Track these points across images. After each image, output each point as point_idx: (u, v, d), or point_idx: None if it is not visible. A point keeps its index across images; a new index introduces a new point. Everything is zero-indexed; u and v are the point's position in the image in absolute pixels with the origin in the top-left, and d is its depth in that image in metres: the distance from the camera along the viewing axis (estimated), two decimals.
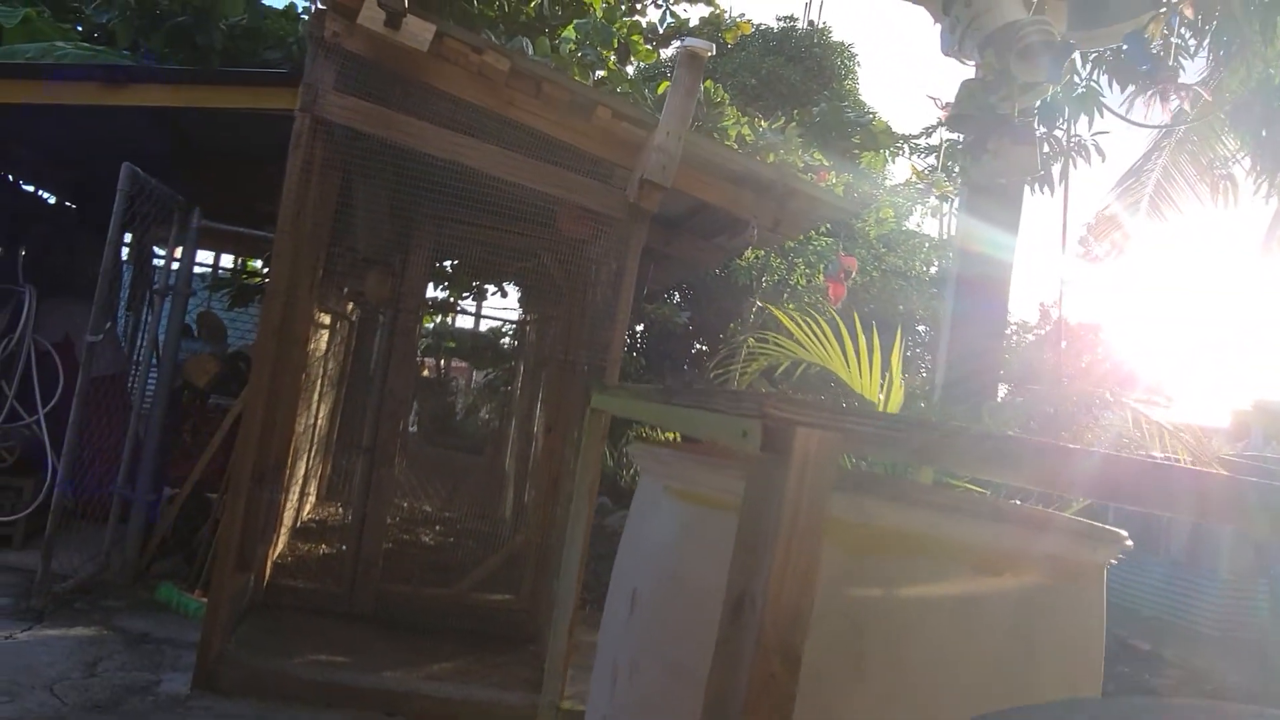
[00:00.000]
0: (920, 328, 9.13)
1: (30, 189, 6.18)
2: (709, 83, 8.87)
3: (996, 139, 2.55)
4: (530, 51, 7.80)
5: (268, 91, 4.93)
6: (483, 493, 9.16)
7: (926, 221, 15.42)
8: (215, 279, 10.06)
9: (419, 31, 3.86)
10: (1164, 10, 2.53)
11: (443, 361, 15.73)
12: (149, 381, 5.38)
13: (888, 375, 2.94)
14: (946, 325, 2.87)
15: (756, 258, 8.85)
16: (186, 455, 5.34)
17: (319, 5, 3.95)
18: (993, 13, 2.72)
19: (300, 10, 8.68)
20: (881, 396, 2.92)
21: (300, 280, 4.38)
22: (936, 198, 13.42)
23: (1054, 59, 2.46)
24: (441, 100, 4.22)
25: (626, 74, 8.62)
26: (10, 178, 5.82)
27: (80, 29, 8.27)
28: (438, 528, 7.93)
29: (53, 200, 6.48)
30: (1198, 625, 8.52)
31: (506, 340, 14.97)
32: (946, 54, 3.31)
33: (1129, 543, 1.51)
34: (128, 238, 5.99)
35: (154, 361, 5.39)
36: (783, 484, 1.04)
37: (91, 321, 4.43)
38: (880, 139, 10.76)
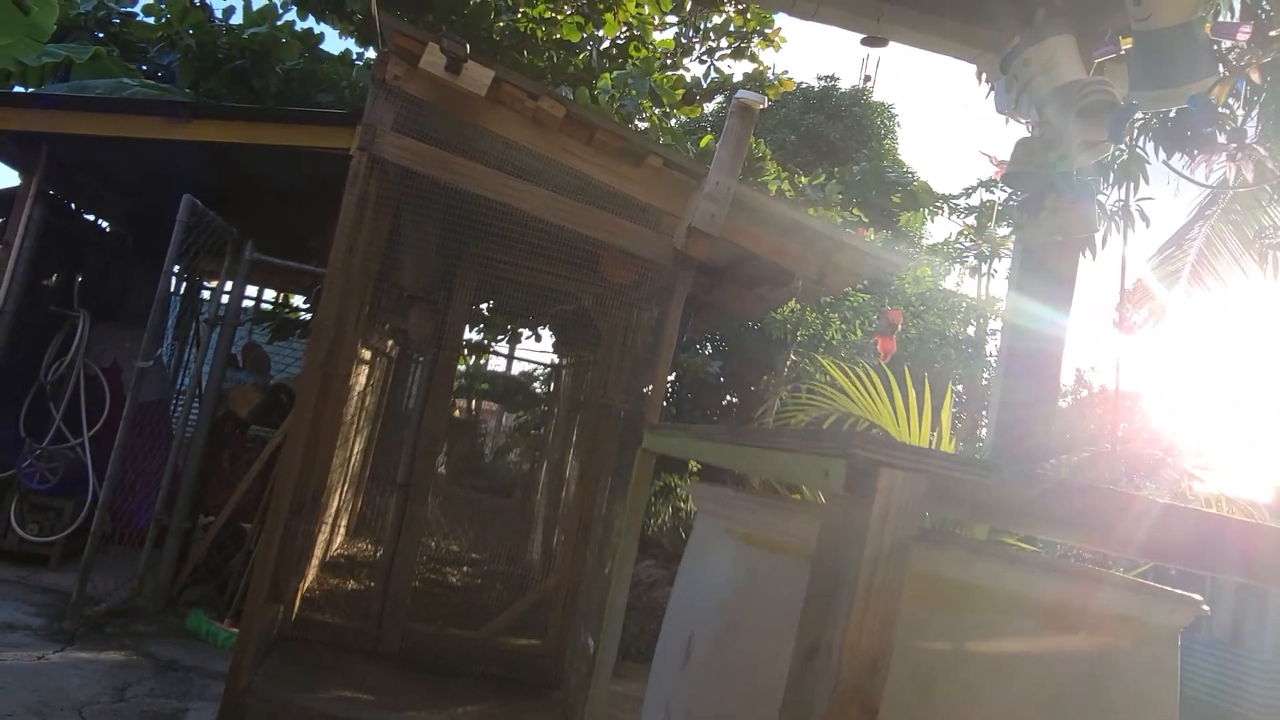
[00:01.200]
0: (958, 387, 9.02)
1: (89, 217, 6.34)
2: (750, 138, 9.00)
3: (1055, 196, 2.54)
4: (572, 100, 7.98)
5: (324, 131, 5.06)
6: (511, 535, 9.12)
7: (965, 282, 15.39)
8: (258, 312, 10.22)
9: (478, 76, 3.95)
10: (1229, 75, 2.53)
11: (474, 403, 15.80)
12: (192, 409, 5.44)
13: (937, 432, 2.90)
14: (996, 396, 2.82)
15: (792, 311, 8.84)
16: (224, 483, 5.38)
17: (383, 48, 4.05)
18: (1052, 72, 2.74)
19: (355, 56, 8.96)
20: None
21: (347, 316, 4.45)
22: (976, 256, 13.39)
23: (1116, 119, 2.46)
24: (491, 140, 4.30)
25: (669, 125, 8.75)
26: (72, 205, 5.98)
27: (144, 66, 8.58)
28: (465, 568, 7.89)
29: (108, 227, 6.65)
30: (1242, 709, 8.21)
31: (539, 384, 15.03)
32: (1001, 112, 3.33)
33: (1205, 607, 1.46)
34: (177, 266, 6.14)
35: (197, 389, 5.47)
36: (865, 526, 1.02)
37: (143, 348, 4.51)
38: (921, 198, 10.78)
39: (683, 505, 12.42)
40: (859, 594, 1.02)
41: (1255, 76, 2.57)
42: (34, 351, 5.47)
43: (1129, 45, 2.63)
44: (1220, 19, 2.59)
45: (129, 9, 9.62)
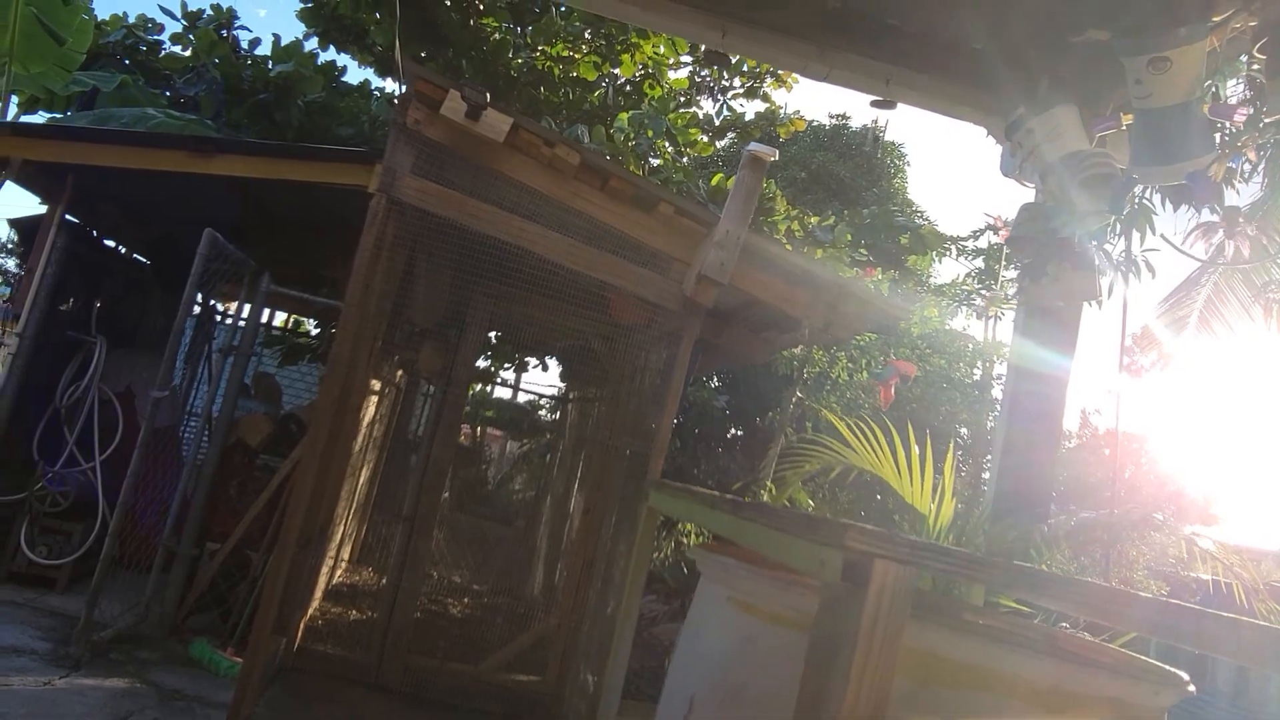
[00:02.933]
0: (963, 430, 9.01)
1: (109, 243, 6.46)
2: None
3: (1057, 263, 2.61)
4: (587, 139, 8.10)
5: (344, 168, 5.17)
6: (513, 567, 9.13)
7: (972, 324, 15.44)
8: (268, 336, 10.33)
9: (497, 123, 4.05)
10: (1227, 152, 2.60)
11: (479, 430, 15.85)
12: (203, 434, 5.50)
13: (939, 486, 2.94)
14: (999, 445, 2.87)
15: (800, 349, 8.91)
16: (232, 511, 5.43)
17: (405, 93, 4.15)
18: (1056, 141, 2.82)
19: (374, 88, 9.12)
20: (933, 507, 2.91)
21: (361, 354, 4.51)
22: (980, 303, 13.45)
23: (1116, 192, 2.53)
24: (507, 183, 4.39)
25: (681, 163, 8.86)
26: (93, 232, 6.09)
27: (168, 94, 8.75)
28: (466, 600, 7.90)
29: (127, 254, 6.76)
30: None
31: (544, 413, 15.08)
32: (1006, 175, 3.41)
33: (1191, 688, 1.51)
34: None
35: (209, 418, 5.53)
36: (859, 614, 1.07)
37: (159, 378, 4.59)
38: (929, 241, 10.86)
39: (685, 540, 12.43)
40: (853, 677, 1.07)
41: (1252, 155, 2.64)
42: (50, 375, 5.56)
43: (1130, 120, 2.70)
44: (1219, 100, 2.66)
45: (156, 37, 9.84)
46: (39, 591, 5.25)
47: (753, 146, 4.12)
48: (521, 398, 15.29)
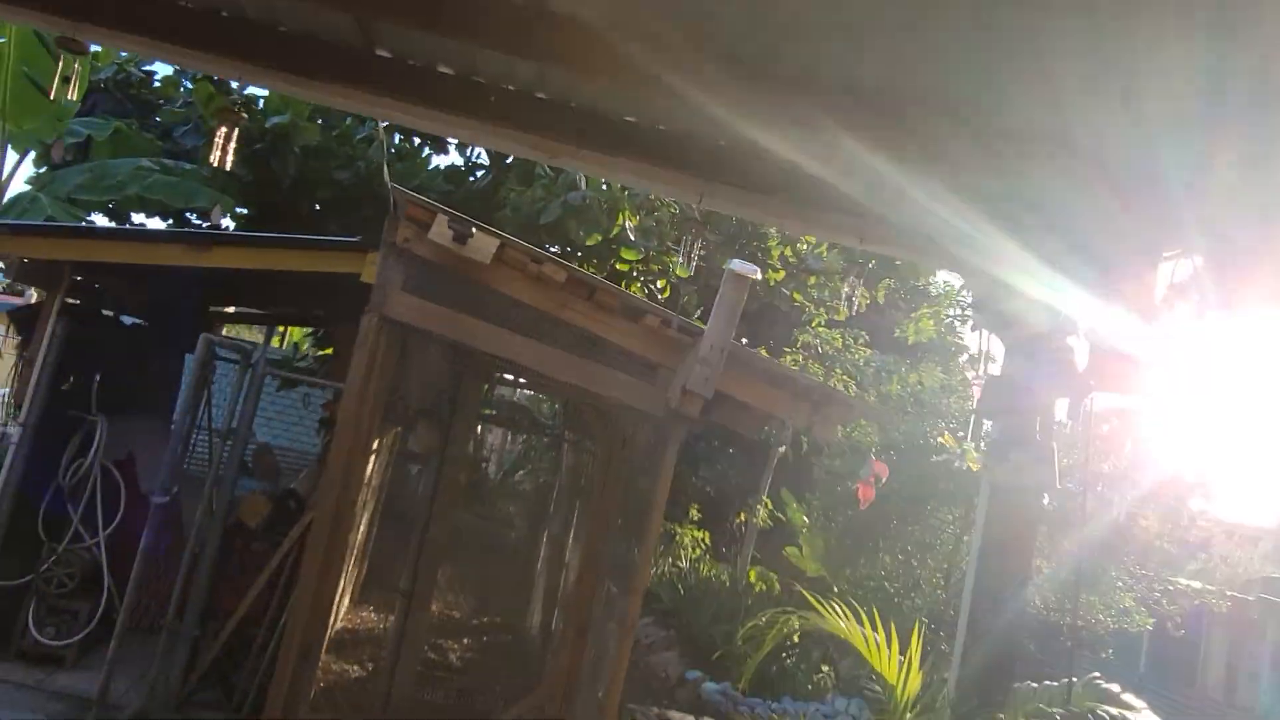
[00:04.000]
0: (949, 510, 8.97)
1: (106, 311, 6.54)
2: None
3: (1019, 452, 2.70)
4: (584, 185, 8.13)
5: (338, 257, 5.25)
6: (511, 587, 9.31)
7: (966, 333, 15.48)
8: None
9: (484, 246, 4.13)
10: None
11: (479, 428, 15.97)
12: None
13: (907, 658, 3.06)
14: (963, 619, 2.98)
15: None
16: (233, 589, 5.56)
17: (393, 213, 4.23)
18: (1019, 325, 2.91)
19: (369, 132, 9.14)
20: (901, 678, 3.04)
21: (358, 452, 4.63)
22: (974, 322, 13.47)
23: (1074, 396, 2.62)
24: (496, 295, 4.48)
25: (673, 209, 8.87)
26: (95, 308, 6.18)
27: (161, 136, 8.78)
28: (465, 640, 8.08)
29: (125, 318, 6.85)
30: None
31: (545, 408, 15.28)
32: (977, 327, 3.49)
33: None
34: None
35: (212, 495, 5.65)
36: None
37: (161, 481, 4.71)
38: (922, 268, 10.90)
39: (683, 554, 12.62)
40: None
41: None
42: (52, 452, 5.67)
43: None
44: None
45: (148, 67, 9.85)
46: (47, 670, 5.40)
47: (734, 265, 4.20)
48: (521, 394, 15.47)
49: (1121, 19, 2.22)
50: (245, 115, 6.63)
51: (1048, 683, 3.24)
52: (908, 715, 3.08)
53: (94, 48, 4.06)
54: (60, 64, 3.38)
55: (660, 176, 3.34)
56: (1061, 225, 2.62)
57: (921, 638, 3.21)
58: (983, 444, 6.85)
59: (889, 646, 3.08)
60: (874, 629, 3.13)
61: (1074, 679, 2.96)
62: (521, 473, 15.64)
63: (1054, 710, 2.88)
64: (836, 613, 3.31)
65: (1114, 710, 2.89)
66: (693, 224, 4.05)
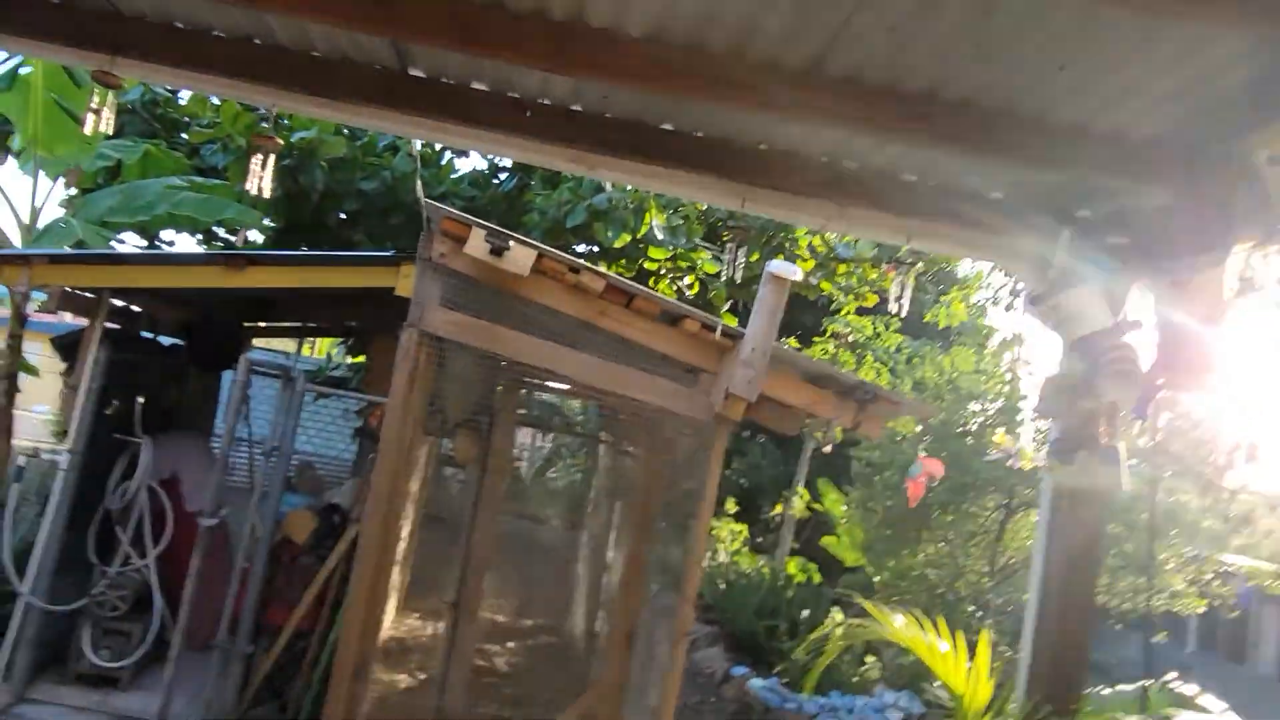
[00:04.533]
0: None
1: (145, 334, 6.60)
2: None
3: (1086, 456, 2.64)
4: (609, 186, 8.09)
5: (371, 272, 5.26)
6: (554, 597, 9.32)
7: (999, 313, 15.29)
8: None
9: (521, 258, 4.10)
10: None
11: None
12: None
13: (974, 668, 3.01)
14: (1030, 621, 2.93)
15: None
16: (282, 605, 5.61)
17: (427, 229, 4.21)
18: (1079, 322, 2.83)
19: (392, 140, 9.14)
20: (969, 688, 2.99)
21: (402, 467, 4.63)
22: (1010, 293, 13.31)
23: (1141, 396, 2.55)
24: (535, 306, 4.45)
25: (700, 205, 8.79)
26: (133, 332, 6.24)
27: (188, 153, 8.82)
28: (510, 644, 8.10)
29: (164, 340, 6.91)
30: None
31: (578, 410, 15.27)
32: (1029, 316, 3.42)
33: None
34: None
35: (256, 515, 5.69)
36: None
37: (209, 506, 4.74)
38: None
39: (721, 548, 12.58)
40: None
41: None
42: (98, 477, 5.73)
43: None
44: None
45: (171, 89, 9.91)
46: (104, 693, 5.47)
47: (773, 266, 4.14)
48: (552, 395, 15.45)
49: (1179, 13, 2.15)
50: (280, 142, 6.64)
51: (1121, 687, 3.17)
52: None
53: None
54: (95, 97, 3.40)
55: (700, 183, 3.30)
56: (1124, 217, 2.55)
57: (988, 643, 3.15)
58: (1033, 438, 6.76)
59: (953, 651, 3.02)
60: (930, 631, 3.08)
61: (1147, 683, 2.90)
62: (553, 471, 15.68)
63: (1132, 717, 2.82)
64: (891, 615, 3.26)
65: (1192, 716, 2.81)
66: (738, 231, 3.99)
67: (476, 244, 4.06)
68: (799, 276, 4.15)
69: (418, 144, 7.69)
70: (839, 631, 3.64)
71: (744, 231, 4.03)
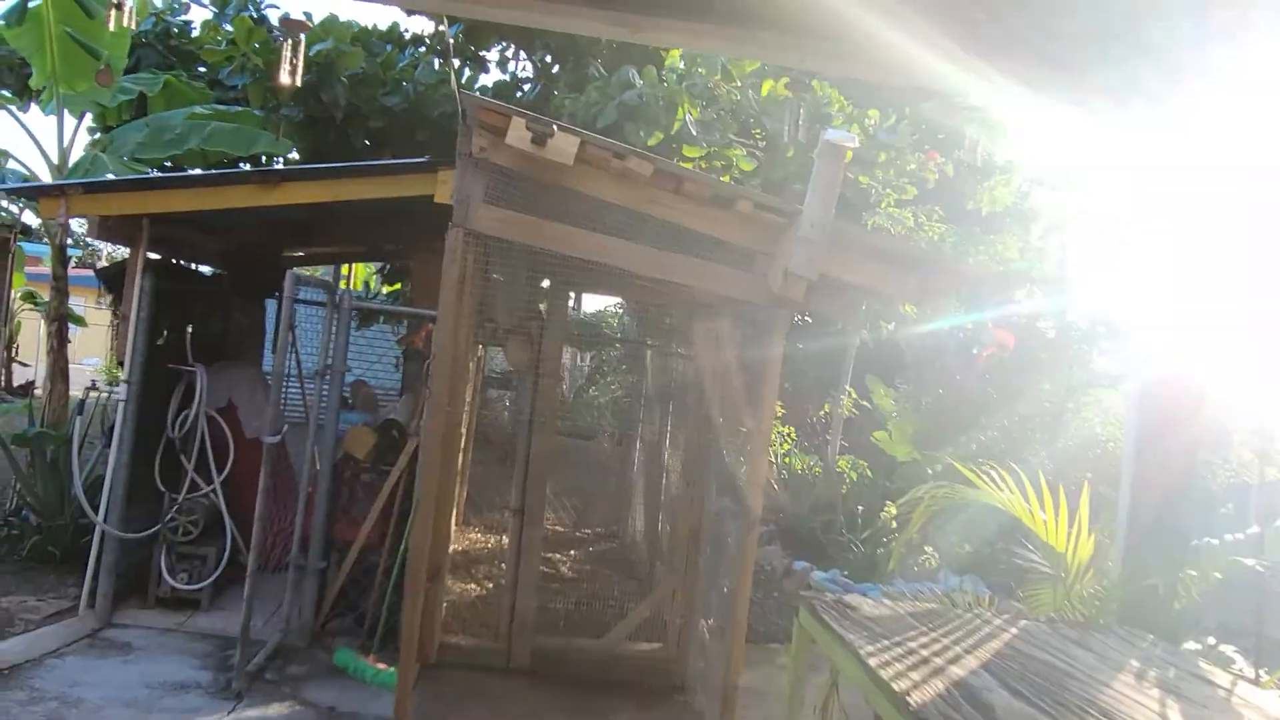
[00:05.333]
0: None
1: (187, 265, 6.56)
2: (815, 81, 8.71)
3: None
4: (639, 82, 7.80)
5: (406, 180, 5.13)
6: (610, 508, 9.41)
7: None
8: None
9: (565, 146, 3.93)
10: None
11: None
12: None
13: (1076, 522, 2.90)
14: (1127, 474, 2.79)
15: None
16: (349, 520, 5.67)
17: (465, 123, 4.05)
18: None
19: (411, 58, 8.87)
20: (1071, 544, 2.89)
21: (459, 372, 4.58)
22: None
23: None
24: (580, 196, 4.30)
25: (736, 98, 8.46)
26: (174, 261, 6.20)
27: (209, 81, 8.65)
28: (572, 552, 8.20)
29: (207, 270, 6.87)
30: None
31: (616, 323, 15.21)
32: None
33: None
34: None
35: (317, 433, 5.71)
36: None
37: (269, 423, 4.74)
38: (997, 126, 10.30)
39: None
40: None
41: None
42: (158, 407, 5.77)
43: None
44: None
45: (184, 18, 9.69)
46: (186, 613, 5.62)
47: (830, 134, 3.94)
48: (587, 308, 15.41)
49: None
50: (309, 25, 6.41)
51: (1229, 536, 3.06)
52: (1079, 583, 2.95)
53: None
54: None
55: (753, 40, 3.08)
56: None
57: (1087, 500, 3.05)
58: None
59: (1054, 514, 2.93)
60: (1029, 492, 2.98)
61: (1260, 528, 2.78)
62: (594, 388, 15.70)
63: (1251, 561, 2.71)
64: (989, 482, 3.16)
65: None
66: (797, 85, 3.76)
67: (518, 133, 3.90)
68: (855, 144, 3.94)
69: (449, 31, 7.40)
70: (926, 497, 3.54)
71: (805, 85, 3.79)
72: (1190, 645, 2.87)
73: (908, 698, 1.68)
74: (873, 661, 1.91)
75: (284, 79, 3.47)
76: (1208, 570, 2.80)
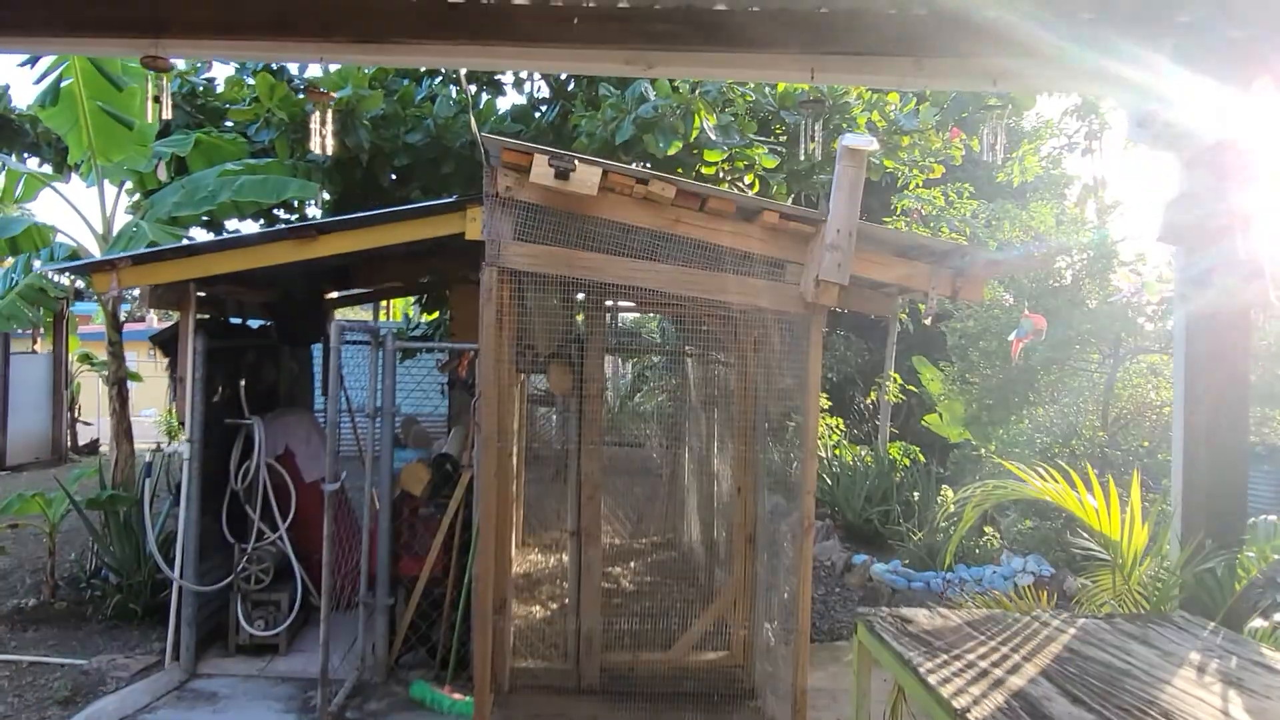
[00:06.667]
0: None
1: (235, 320, 6.76)
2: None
3: (1224, 274, 2.47)
4: (652, 95, 7.86)
5: (439, 220, 5.23)
6: (664, 517, 9.46)
7: (1069, 161, 14.55)
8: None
9: (587, 178, 4.01)
10: None
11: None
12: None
13: (1128, 515, 2.90)
14: (1177, 462, 2.77)
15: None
16: (412, 556, 5.80)
17: (489, 164, 4.14)
18: (1194, 136, 2.62)
19: (429, 91, 9.02)
20: (1125, 533, 2.88)
21: (505, 405, 4.68)
22: (1086, 136, 12.65)
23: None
24: (608, 225, 4.37)
25: (749, 98, 8.48)
26: (222, 319, 6.39)
27: (239, 135, 8.87)
28: (632, 564, 8.27)
29: (253, 323, 7.07)
30: None
31: (655, 330, 15.25)
32: (1137, 141, 3.20)
33: None
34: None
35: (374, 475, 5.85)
36: None
37: (328, 472, 4.89)
38: (1021, 103, 10.19)
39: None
40: None
41: None
42: (219, 461, 5.96)
43: None
44: None
45: (207, 75, 9.95)
46: (266, 659, 5.79)
47: (847, 140, 3.95)
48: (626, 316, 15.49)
49: None
50: (333, 95, 6.57)
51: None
52: (1138, 570, 2.94)
53: (178, 63, 4.07)
54: (149, 84, 3.39)
55: (764, 62, 3.13)
56: (1234, 8, 2.31)
57: (1139, 487, 3.03)
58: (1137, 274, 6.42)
59: (1105, 503, 2.92)
60: (1077, 484, 2.98)
61: None
62: (639, 395, 15.76)
63: None
64: (1036, 475, 3.16)
65: None
66: (809, 105, 3.80)
67: (541, 169, 3.99)
68: (875, 147, 3.96)
69: (464, 74, 7.55)
70: (977, 494, 3.55)
71: (819, 104, 3.83)
72: (1257, 623, 2.85)
73: (967, 715, 1.72)
74: (932, 679, 1.95)
75: (315, 149, 3.60)
76: (1265, 548, 2.78)
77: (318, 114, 3.58)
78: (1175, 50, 2.72)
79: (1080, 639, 2.35)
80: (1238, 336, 2.69)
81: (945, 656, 2.12)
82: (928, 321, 7.04)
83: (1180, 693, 1.99)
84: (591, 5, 3.15)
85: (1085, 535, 3.24)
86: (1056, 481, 3.13)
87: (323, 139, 3.61)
